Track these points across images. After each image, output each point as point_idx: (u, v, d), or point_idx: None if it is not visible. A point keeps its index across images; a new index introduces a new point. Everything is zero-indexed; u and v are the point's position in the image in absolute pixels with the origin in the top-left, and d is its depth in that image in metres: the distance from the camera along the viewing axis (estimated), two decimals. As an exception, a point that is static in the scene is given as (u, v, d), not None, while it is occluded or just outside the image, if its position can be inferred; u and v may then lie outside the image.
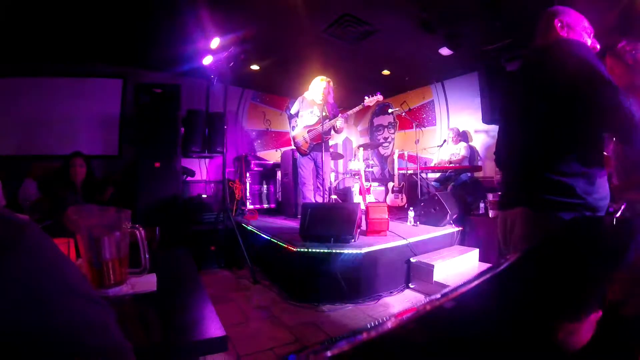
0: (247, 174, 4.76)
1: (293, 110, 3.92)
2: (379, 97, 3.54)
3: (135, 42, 3.65)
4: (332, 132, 3.70)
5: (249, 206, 4.65)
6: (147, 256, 1.04)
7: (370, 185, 5.07)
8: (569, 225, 1.14)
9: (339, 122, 3.55)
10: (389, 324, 0.34)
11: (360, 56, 4.16)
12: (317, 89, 3.70)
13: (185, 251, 1.48)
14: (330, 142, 4.36)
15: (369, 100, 3.53)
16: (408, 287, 3.00)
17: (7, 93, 3.75)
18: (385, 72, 4.82)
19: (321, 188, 3.71)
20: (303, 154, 3.79)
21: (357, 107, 3.60)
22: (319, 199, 3.81)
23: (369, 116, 6.76)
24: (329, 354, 0.28)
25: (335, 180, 5.32)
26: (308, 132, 3.69)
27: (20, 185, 3.33)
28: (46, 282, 0.37)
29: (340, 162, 6.45)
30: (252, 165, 4.88)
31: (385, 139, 6.41)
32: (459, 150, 4.59)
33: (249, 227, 3.78)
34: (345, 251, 2.68)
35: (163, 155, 3.59)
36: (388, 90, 5.42)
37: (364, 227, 3.18)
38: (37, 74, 3.88)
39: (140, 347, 0.51)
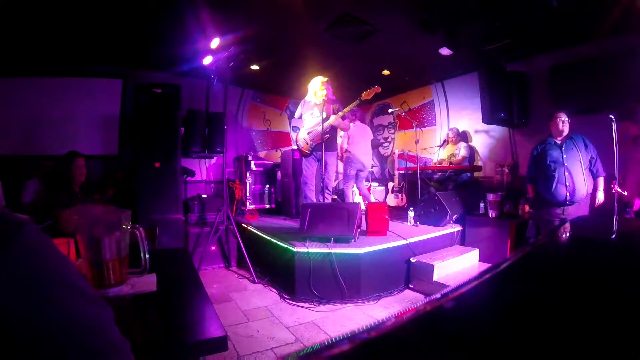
0: (247, 174, 4.76)
1: (297, 115, 3.95)
2: (377, 89, 3.45)
3: (135, 42, 3.64)
4: (339, 130, 3.63)
5: (249, 206, 4.65)
6: (147, 256, 1.04)
7: (370, 185, 5.07)
8: (568, 225, 1.14)
9: (331, 118, 3.49)
10: (389, 324, 0.34)
11: (360, 56, 4.15)
12: (314, 90, 3.70)
13: (185, 251, 1.48)
14: (338, 141, 4.33)
15: (367, 93, 3.45)
16: (408, 287, 3.00)
17: (7, 93, 3.75)
18: (385, 72, 4.81)
19: (323, 187, 3.70)
20: (305, 156, 3.80)
21: (353, 103, 3.52)
22: (321, 199, 3.81)
23: (369, 116, 6.75)
24: (329, 353, 0.28)
25: (335, 180, 5.32)
26: (308, 133, 3.70)
27: (21, 185, 3.32)
28: (44, 281, 0.37)
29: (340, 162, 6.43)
30: (252, 165, 4.88)
31: (385, 139, 6.41)
32: (459, 151, 4.58)
33: (249, 227, 3.78)
34: (345, 251, 2.68)
35: (163, 155, 3.59)
36: (388, 90, 5.40)
37: (364, 227, 3.18)
38: (37, 74, 3.87)
39: (140, 347, 0.51)
